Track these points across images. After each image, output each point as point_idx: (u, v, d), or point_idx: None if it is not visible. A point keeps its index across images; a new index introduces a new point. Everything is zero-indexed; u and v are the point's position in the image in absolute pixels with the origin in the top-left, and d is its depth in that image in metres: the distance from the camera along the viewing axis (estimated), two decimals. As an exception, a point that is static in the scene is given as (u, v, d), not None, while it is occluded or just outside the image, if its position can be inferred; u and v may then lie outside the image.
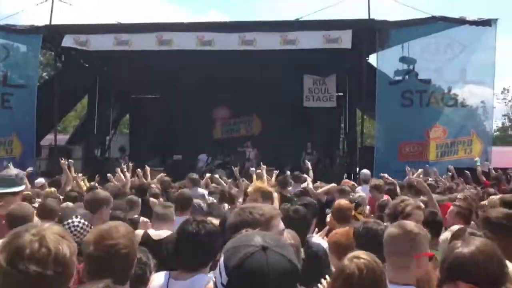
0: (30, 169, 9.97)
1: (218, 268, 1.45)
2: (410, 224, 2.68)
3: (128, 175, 8.13)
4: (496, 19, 13.98)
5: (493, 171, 9.75)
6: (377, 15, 14.40)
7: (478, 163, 10.92)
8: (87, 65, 17.48)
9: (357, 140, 16.96)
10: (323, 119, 17.49)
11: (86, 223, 3.23)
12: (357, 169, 15.14)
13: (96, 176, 9.70)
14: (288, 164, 15.74)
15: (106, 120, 18.95)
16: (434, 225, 3.92)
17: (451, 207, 4.60)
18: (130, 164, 9.01)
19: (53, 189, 7.13)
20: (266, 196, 5.45)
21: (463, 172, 10.72)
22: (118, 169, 8.46)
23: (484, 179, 9.71)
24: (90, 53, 15.07)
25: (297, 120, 17.27)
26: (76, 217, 3.26)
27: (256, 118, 19.35)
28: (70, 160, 8.21)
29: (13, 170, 4.96)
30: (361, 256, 2.26)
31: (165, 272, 2.78)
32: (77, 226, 3.19)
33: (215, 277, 1.47)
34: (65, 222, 3.19)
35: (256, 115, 19.29)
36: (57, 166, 11.91)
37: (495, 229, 3.05)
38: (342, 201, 5.02)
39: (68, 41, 14.26)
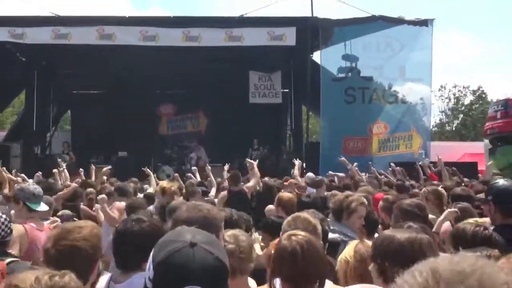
0: None
1: (148, 261, 1.45)
2: None
3: (67, 173, 7.87)
4: (433, 19, 14.60)
5: (432, 167, 10.11)
6: (319, 14, 14.70)
7: (423, 157, 11.26)
8: (23, 59, 16.70)
9: (303, 136, 17.21)
10: (269, 115, 17.62)
11: (4, 216, 3.13)
12: (304, 164, 15.39)
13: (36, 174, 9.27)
14: (235, 160, 15.78)
15: (46, 117, 18.19)
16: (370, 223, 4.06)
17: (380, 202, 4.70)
18: (73, 157, 8.70)
19: None
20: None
21: (410, 166, 11.00)
22: (55, 171, 8.11)
23: (430, 172, 10.03)
24: (27, 47, 14.42)
25: (243, 116, 17.31)
26: None
27: (202, 115, 19.23)
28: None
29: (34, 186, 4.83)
30: (298, 233, 2.29)
31: (108, 274, 2.70)
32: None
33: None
34: None
35: (202, 112, 19.16)
36: (-7, 164, 11.40)
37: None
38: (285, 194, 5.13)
39: (2, 34, 13.57)
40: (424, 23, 14.47)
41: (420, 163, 10.11)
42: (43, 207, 4.18)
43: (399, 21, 14.59)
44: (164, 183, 6.59)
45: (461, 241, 2.80)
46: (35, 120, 17.59)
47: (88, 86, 19.29)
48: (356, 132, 14.54)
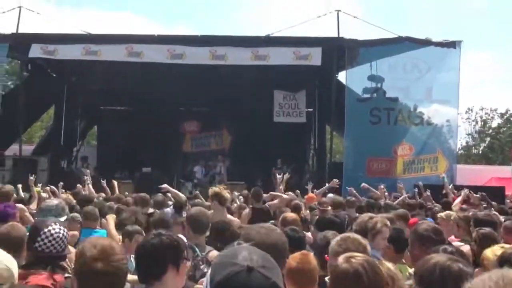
0: None
1: (205, 279, 1.50)
2: None
3: (91, 188, 8.01)
4: (461, 41, 14.46)
5: (454, 190, 9.93)
6: (345, 34, 14.72)
7: (446, 180, 11.10)
8: (54, 75, 17.15)
9: (326, 156, 17.13)
10: (293, 134, 17.61)
11: (66, 230, 3.09)
12: (326, 184, 15.27)
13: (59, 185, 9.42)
14: (258, 179, 15.78)
15: (73, 131, 18.59)
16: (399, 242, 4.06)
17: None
18: (87, 171, 8.86)
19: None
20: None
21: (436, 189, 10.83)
22: (80, 186, 8.26)
23: (453, 195, 9.85)
24: (58, 63, 14.82)
25: (267, 135, 17.34)
26: (55, 224, 3.07)
27: (226, 132, 19.33)
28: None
29: (54, 201, 5.00)
30: (356, 255, 2.24)
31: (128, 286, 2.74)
32: (59, 233, 3.01)
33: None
34: (45, 230, 2.99)
35: (226, 129, 19.26)
36: (23, 177, 11.66)
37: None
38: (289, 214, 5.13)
39: (35, 51, 13.97)
40: (452, 44, 14.35)
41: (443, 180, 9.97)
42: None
43: (426, 43, 14.51)
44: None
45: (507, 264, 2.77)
46: (63, 135, 17.98)
47: (115, 102, 19.65)
48: (380, 153, 14.39)
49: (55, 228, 3.00)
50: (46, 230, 2.97)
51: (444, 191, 9.64)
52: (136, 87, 16.58)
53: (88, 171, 10.72)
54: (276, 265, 1.55)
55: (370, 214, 4.56)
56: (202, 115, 19.19)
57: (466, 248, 4.03)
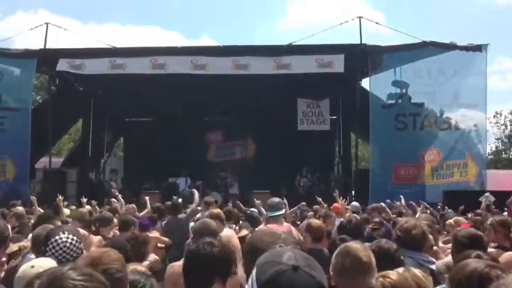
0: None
1: (250, 279, 1.53)
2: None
3: (122, 200, 8.11)
4: (487, 45, 14.17)
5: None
6: (368, 40, 14.63)
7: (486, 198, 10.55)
8: (81, 89, 17.52)
9: (351, 163, 16.98)
10: (318, 142, 17.52)
11: (75, 238, 2.99)
12: (353, 192, 15.17)
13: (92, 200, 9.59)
14: (282, 187, 15.73)
15: (100, 143, 18.89)
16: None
17: None
18: (114, 189, 8.99)
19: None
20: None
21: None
22: (113, 199, 8.38)
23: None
24: (85, 77, 15.12)
25: (291, 143, 17.29)
26: (64, 233, 3.00)
27: (250, 142, 19.36)
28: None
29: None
30: (389, 275, 2.19)
31: None
32: (66, 242, 2.95)
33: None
34: (52, 240, 2.96)
35: (250, 138, 19.30)
36: (52, 189, 11.91)
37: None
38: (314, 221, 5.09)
39: (62, 65, 14.30)
40: (478, 48, 14.07)
41: (483, 199, 9.75)
42: None
43: (451, 47, 14.27)
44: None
45: None
46: (90, 147, 18.32)
47: (140, 114, 19.92)
48: (407, 159, 14.17)
49: (62, 237, 2.96)
50: (54, 239, 2.96)
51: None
52: (160, 98, 16.79)
53: (115, 186, 10.80)
54: (319, 266, 1.56)
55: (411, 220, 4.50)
56: (226, 125, 19.26)
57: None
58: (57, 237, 2.96)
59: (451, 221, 6.04)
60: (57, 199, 7.77)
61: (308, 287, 1.44)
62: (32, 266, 3.02)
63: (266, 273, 1.46)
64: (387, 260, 2.82)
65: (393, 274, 2.29)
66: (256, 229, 5.72)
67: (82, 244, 3.04)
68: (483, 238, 3.79)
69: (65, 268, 1.38)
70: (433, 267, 3.43)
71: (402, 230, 3.68)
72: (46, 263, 3.10)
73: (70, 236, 2.98)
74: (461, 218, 6.29)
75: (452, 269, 2.46)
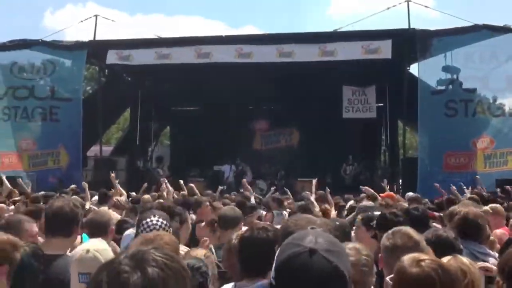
0: (73, 186, 10.36)
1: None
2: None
3: (170, 187, 8.31)
4: (542, 28, 13.46)
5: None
6: (417, 25, 14.17)
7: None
8: (129, 79, 17.93)
9: (399, 151, 16.62)
10: (363, 130, 17.23)
11: (165, 222, 3.23)
12: (400, 180, 14.86)
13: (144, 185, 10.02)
14: (327, 175, 15.61)
15: (147, 132, 19.33)
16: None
17: None
18: (162, 176, 9.19)
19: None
20: None
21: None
22: (163, 184, 8.60)
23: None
24: (132, 67, 15.45)
25: (337, 131, 17.08)
26: (154, 216, 3.25)
27: (295, 130, 19.27)
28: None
29: None
30: (425, 259, 2.01)
31: (231, 284, 2.76)
32: (156, 225, 3.18)
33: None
34: (144, 222, 3.20)
35: (295, 127, 19.21)
36: (103, 177, 12.36)
37: None
38: None
39: (112, 58, 14.66)
40: (533, 31, 13.40)
41: None
42: None
43: (505, 30, 13.64)
44: None
45: None
46: (138, 136, 18.78)
47: (186, 103, 20.19)
48: (458, 147, 13.70)
49: (153, 219, 3.20)
50: (145, 221, 3.20)
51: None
52: (205, 87, 16.95)
53: (162, 173, 11.06)
54: (344, 251, 1.52)
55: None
56: (271, 113, 19.26)
57: None
58: (148, 220, 3.21)
59: (488, 208, 5.62)
60: (111, 176, 8.39)
61: (323, 271, 1.39)
62: (88, 251, 3.19)
63: (283, 254, 1.45)
64: (446, 248, 2.72)
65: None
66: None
67: (171, 228, 3.26)
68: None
69: (149, 247, 1.46)
70: (490, 259, 3.27)
71: (460, 218, 3.55)
72: (99, 245, 3.30)
73: (160, 220, 3.22)
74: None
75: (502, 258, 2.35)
